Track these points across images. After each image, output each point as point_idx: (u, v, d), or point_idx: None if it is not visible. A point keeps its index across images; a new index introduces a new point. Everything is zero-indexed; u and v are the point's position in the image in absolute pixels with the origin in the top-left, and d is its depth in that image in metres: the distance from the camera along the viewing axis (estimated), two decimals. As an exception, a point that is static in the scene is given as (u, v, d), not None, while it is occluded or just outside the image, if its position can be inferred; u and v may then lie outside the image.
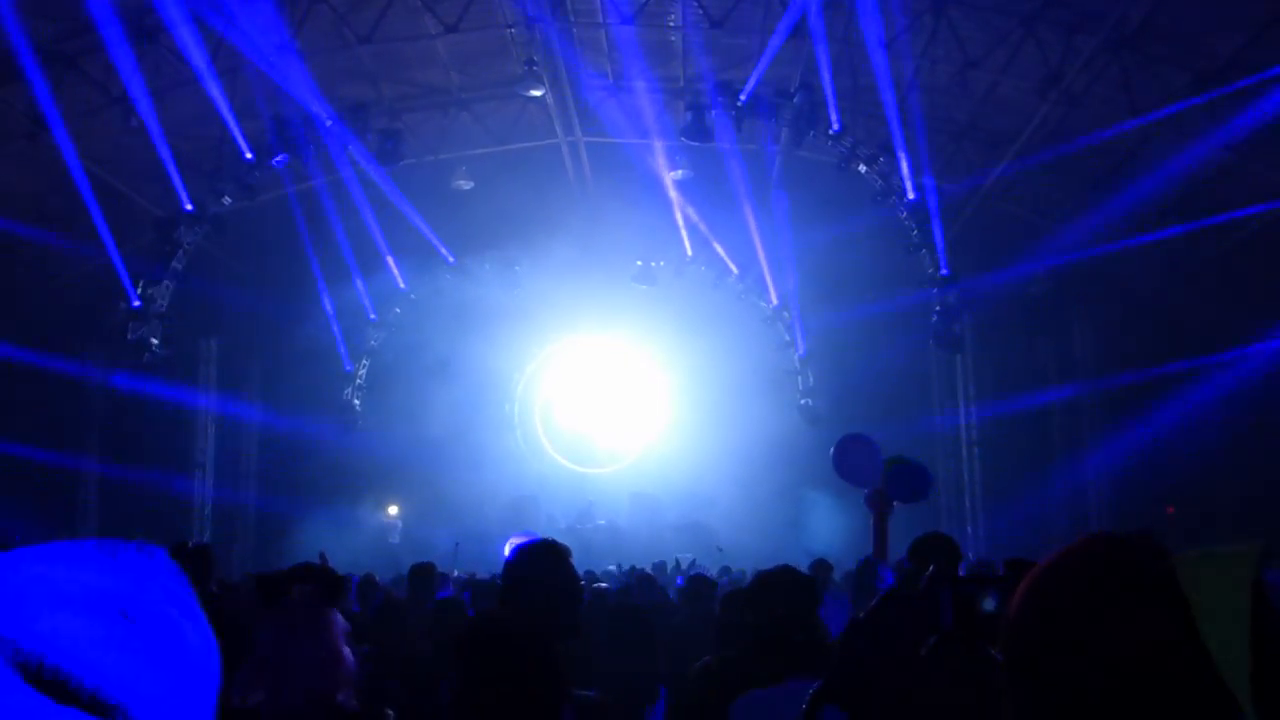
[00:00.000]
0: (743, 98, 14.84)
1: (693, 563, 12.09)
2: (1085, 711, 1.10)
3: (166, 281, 15.78)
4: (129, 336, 15.42)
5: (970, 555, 15.02)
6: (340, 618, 3.32)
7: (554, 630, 3.29)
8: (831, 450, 6.04)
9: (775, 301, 19.45)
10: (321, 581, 4.81)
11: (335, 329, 19.15)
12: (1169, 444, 15.57)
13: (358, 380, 20.21)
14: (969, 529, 17.74)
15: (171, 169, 14.27)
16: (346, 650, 3.31)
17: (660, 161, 16.84)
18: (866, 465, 5.56)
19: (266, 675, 3.08)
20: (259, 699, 3.01)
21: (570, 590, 3.40)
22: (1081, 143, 14.56)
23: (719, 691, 3.30)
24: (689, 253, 19.16)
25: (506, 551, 10.55)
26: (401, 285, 19.65)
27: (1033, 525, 16.01)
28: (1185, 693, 1.05)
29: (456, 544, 11.59)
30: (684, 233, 18.55)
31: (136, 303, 15.45)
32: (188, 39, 12.68)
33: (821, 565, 8.21)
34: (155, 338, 15.52)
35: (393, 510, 19.05)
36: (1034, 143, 15.12)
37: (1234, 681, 1.00)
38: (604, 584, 9.03)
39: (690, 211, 17.95)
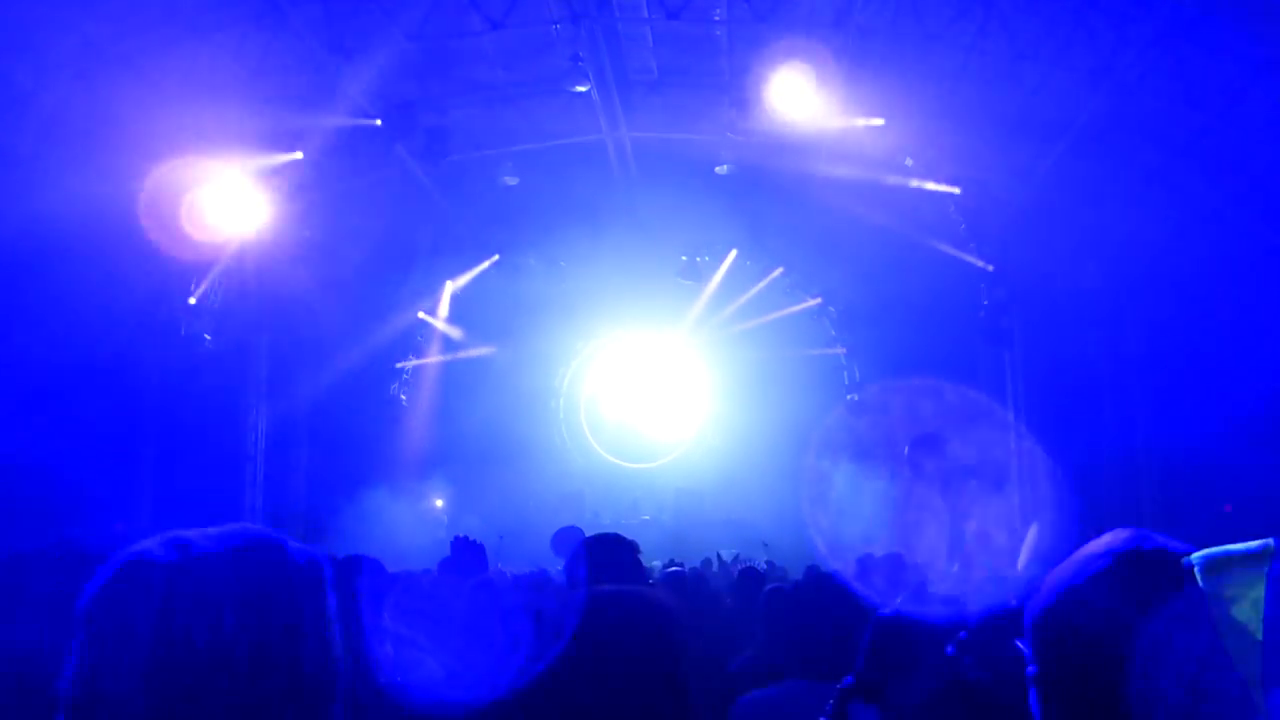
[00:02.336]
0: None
1: (736, 557, 12.08)
2: (1107, 706, 1.10)
3: (219, 277, 16.08)
4: (181, 331, 15.73)
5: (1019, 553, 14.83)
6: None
7: None
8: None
9: (821, 296, 19.36)
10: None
11: (385, 326, 19.37)
12: (1227, 440, 15.25)
13: (404, 375, 20.45)
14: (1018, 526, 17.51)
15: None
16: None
17: (705, 156, 16.81)
18: None
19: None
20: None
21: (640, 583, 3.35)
22: (1136, 133, 14.31)
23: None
24: (734, 247, 19.12)
25: (551, 544, 10.63)
26: (447, 281, 19.82)
27: (1083, 524, 15.75)
28: (1202, 687, 1.05)
29: (500, 537, 11.66)
30: (729, 227, 18.50)
31: (190, 298, 15.76)
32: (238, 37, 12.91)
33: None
34: (207, 333, 15.83)
35: (439, 503, 19.24)
36: (1086, 134, 14.87)
37: (1249, 675, 0.99)
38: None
39: (735, 205, 17.89)
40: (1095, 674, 1.11)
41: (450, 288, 19.88)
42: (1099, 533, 1.27)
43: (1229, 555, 1.05)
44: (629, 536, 3.54)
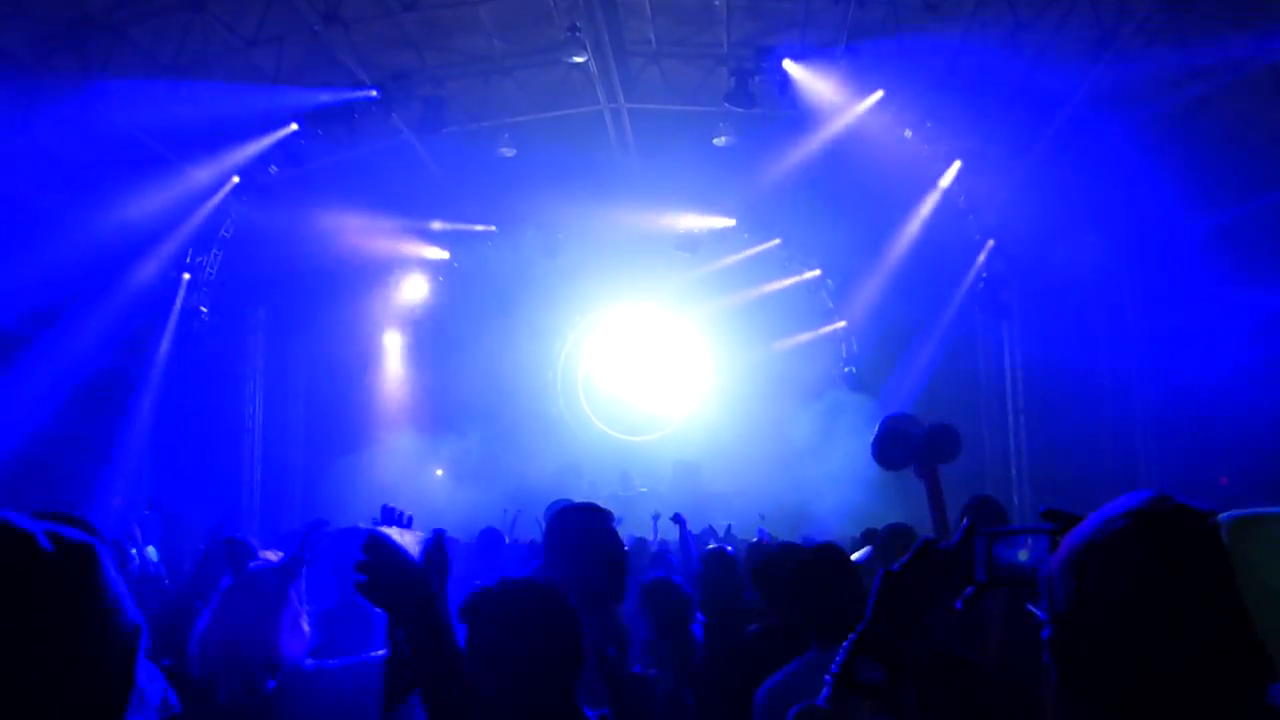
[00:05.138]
0: (787, 62, 14.67)
1: (728, 529, 12.10)
2: (1126, 668, 1.09)
3: (215, 250, 16.03)
4: (178, 304, 15.71)
5: (1016, 523, 14.90)
6: (294, 598, 3.36)
7: (596, 595, 3.24)
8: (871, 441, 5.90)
9: (818, 268, 19.33)
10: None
11: (378, 295, 19.34)
12: (1225, 413, 15.28)
13: (401, 347, 20.45)
14: (1015, 498, 17.59)
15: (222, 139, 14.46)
16: (303, 622, 3.35)
17: (704, 128, 16.72)
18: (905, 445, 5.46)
19: (220, 639, 3.15)
20: (211, 662, 3.07)
21: (613, 555, 3.37)
22: (1136, 104, 14.24)
23: (752, 669, 3.31)
24: (732, 220, 19.06)
25: (545, 517, 10.68)
26: (445, 253, 19.77)
27: (1082, 494, 15.81)
28: (1224, 650, 1.04)
29: (508, 511, 11.64)
30: (727, 200, 18.43)
31: (186, 271, 15.71)
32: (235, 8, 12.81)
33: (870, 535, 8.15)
34: (204, 306, 15.80)
35: (439, 473, 19.25)
36: (1086, 105, 14.80)
37: (1272, 640, 0.99)
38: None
39: (734, 178, 17.82)
40: (1114, 634, 1.10)
41: (447, 257, 19.85)
42: (1098, 504, 1.26)
43: (1258, 515, 1.04)
44: (605, 507, 3.56)
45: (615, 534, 3.43)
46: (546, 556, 3.43)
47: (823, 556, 3.58)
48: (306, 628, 3.35)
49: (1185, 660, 1.07)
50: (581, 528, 3.39)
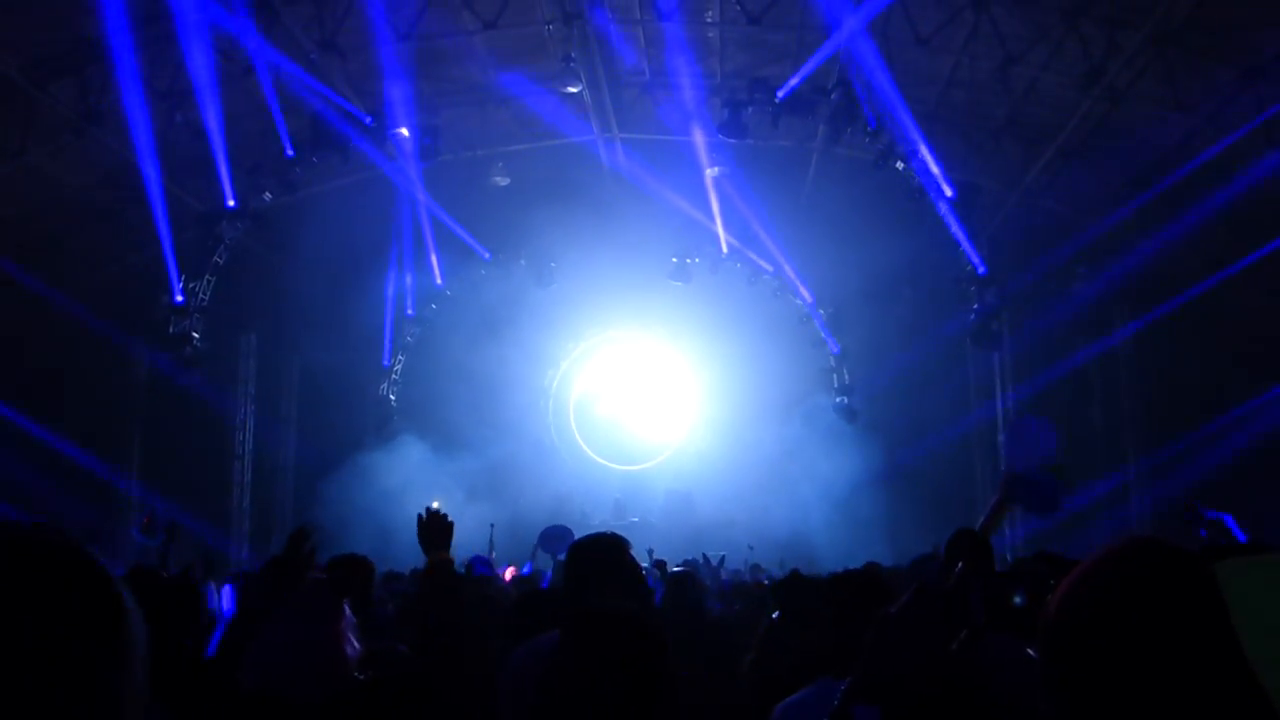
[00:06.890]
0: (780, 94, 14.77)
1: (723, 559, 12.04)
2: (1121, 710, 1.09)
3: (208, 276, 15.99)
4: (170, 330, 15.64)
5: (1008, 555, 14.85)
6: (348, 610, 3.36)
7: None
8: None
9: (810, 298, 19.37)
10: (341, 571, 4.85)
11: (373, 325, 19.30)
12: (1215, 443, 15.29)
13: (394, 375, 20.38)
14: (1007, 529, 17.55)
15: (217, 165, 14.47)
16: (351, 641, 3.35)
17: (697, 158, 16.82)
18: (1033, 451, 5.35)
19: (272, 660, 3.14)
20: (264, 683, 3.06)
21: (636, 582, 3.38)
22: (1125, 139, 14.38)
23: (760, 691, 3.30)
24: (725, 250, 19.11)
25: (539, 542, 10.64)
26: (438, 281, 19.77)
27: (1072, 525, 15.79)
28: (1223, 698, 1.03)
29: (492, 525, 11.55)
30: (720, 230, 18.48)
31: (179, 298, 15.65)
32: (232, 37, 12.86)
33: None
34: (196, 332, 15.73)
35: (435, 505, 19.10)
36: (1075, 139, 14.93)
37: (1273, 687, 0.98)
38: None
39: (726, 208, 17.89)
40: (1109, 680, 1.10)
41: (440, 284, 19.85)
42: (1088, 535, 1.26)
43: (1257, 562, 1.04)
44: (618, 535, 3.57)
45: (635, 561, 3.44)
46: (568, 585, 3.43)
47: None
48: (356, 643, 3.36)
49: (1183, 709, 1.06)
50: (603, 556, 3.39)
